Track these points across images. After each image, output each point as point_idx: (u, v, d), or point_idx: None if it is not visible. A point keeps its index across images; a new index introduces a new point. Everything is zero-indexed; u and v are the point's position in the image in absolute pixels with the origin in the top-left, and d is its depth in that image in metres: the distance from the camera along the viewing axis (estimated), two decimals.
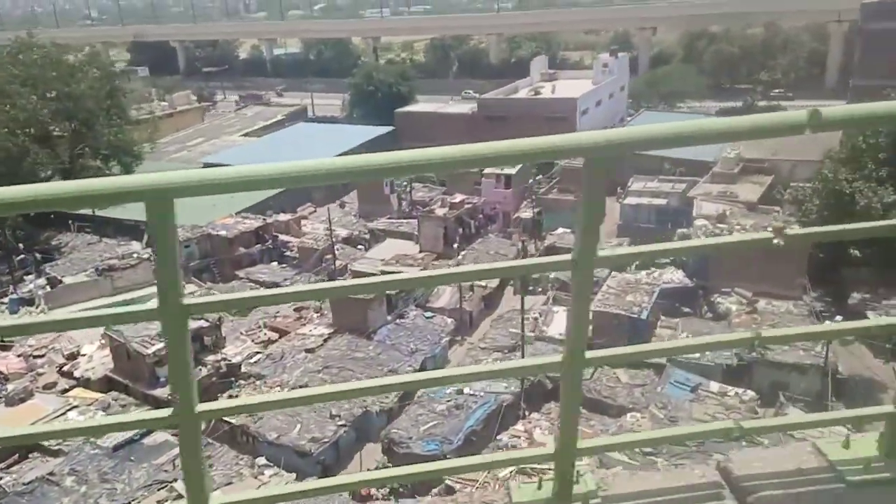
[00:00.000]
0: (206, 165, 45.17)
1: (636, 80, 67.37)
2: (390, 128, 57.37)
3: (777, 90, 67.79)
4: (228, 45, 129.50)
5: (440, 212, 41.04)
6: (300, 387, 23.37)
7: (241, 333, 29.59)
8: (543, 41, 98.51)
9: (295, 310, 31.61)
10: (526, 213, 44.35)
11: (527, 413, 23.56)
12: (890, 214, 25.20)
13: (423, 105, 62.50)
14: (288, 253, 40.14)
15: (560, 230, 41.04)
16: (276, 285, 31.47)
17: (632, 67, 67.21)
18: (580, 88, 57.82)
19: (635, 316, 27.36)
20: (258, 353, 27.94)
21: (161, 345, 22.77)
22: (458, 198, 42.54)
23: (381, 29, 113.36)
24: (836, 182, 27.38)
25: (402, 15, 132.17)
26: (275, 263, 38.53)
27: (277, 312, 31.39)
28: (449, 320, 30.97)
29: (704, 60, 73.19)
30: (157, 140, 56.05)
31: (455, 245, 38.24)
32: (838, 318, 25.08)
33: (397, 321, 30.08)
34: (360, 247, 40.85)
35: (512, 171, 45.75)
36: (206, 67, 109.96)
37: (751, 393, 23.01)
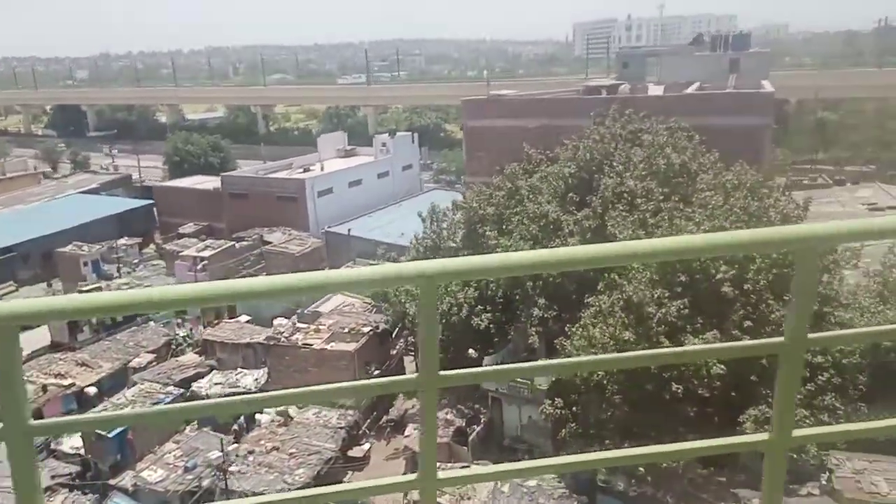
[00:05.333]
0: None
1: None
2: (151, 201, 55.91)
3: None
4: (147, 109, 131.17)
5: None
6: None
7: None
8: (444, 112, 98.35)
9: None
10: None
11: None
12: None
13: (183, 180, 61.01)
14: None
15: (244, 317, 38.56)
16: None
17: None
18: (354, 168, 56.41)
19: None
20: None
21: None
22: None
23: (272, 97, 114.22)
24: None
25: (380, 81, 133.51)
26: None
27: None
28: None
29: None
30: None
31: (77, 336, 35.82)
32: None
33: None
34: None
35: (206, 252, 43.77)
36: (91, 132, 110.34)
37: None
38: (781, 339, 1.82)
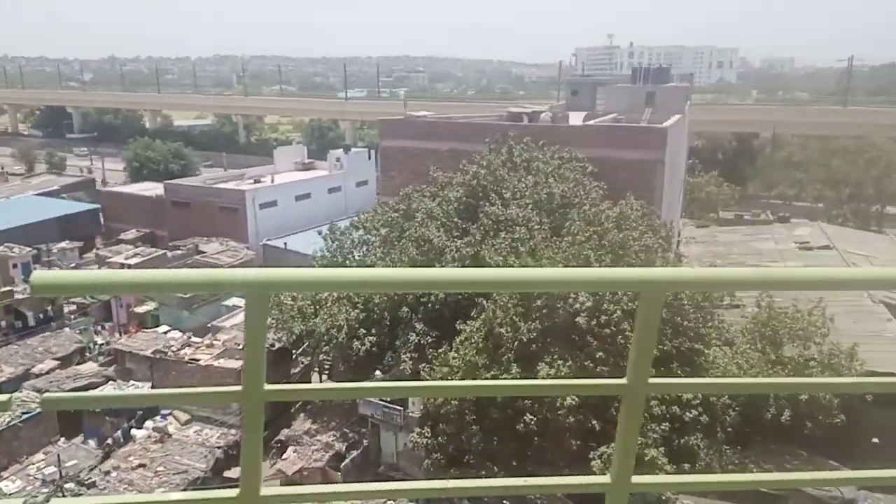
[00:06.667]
0: None
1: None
2: (98, 206, 55.77)
3: None
4: (134, 114, 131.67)
5: None
6: None
7: None
8: None
9: None
10: (145, 307, 41.54)
11: None
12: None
13: (132, 186, 60.93)
14: None
15: (164, 328, 38.11)
16: None
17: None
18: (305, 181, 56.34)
19: None
20: None
21: None
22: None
23: (255, 108, 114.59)
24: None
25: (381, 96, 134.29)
26: None
27: None
28: None
29: None
30: None
31: None
32: None
33: None
34: None
35: (135, 260, 43.45)
36: (73, 134, 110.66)
37: None
38: (624, 380, 1.80)
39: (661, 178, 27.13)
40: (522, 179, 25.93)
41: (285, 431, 29.98)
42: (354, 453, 26.12)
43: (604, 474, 1.94)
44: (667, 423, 20.93)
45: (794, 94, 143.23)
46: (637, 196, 25.80)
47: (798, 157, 60.85)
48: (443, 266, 24.24)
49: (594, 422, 20.99)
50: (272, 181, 55.50)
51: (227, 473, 26.72)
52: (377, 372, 27.97)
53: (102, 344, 37.84)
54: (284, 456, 26.85)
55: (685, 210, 53.23)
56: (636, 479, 1.91)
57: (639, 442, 20.65)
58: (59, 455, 22.99)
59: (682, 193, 50.31)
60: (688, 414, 21.32)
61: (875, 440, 23.10)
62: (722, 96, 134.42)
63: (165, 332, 35.82)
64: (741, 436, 22.92)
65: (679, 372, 22.65)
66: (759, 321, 22.88)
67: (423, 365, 22.75)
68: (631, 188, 26.07)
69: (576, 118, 34.42)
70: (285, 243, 45.76)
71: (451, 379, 21.19)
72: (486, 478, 20.50)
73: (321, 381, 32.88)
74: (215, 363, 28.37)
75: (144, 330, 37.13)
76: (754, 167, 68.99)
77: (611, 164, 26.83)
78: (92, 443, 27.32)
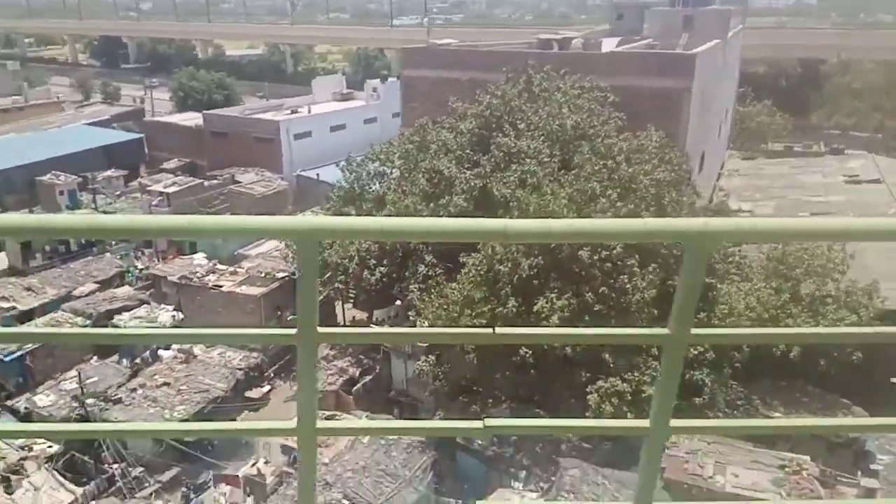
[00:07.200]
0: None
1: None
2: (142, 135, 57.06)
3: None
4: (188, 44, 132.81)
5: None
6: None
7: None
8: None
9: None
10: None
11: None
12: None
13: (175, 116, 61.77)
14: None
15: (200, 255, 39.43)
16: None
17: None
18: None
19: None
20: None
21: None
22: None
23: (300, 36, 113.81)
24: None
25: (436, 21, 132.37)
26: None
27: None
28: None
29: None
30: None
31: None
32: None
33: None
34: None
35: (172, 189, 44.56)
36: (129, 64, 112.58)
37: None
38: (666, 329, 1.84)
39: (688, 109, 25.82)
40: (540, 110, 25.12)
41: None
42: (367, 379, 26.83)
43: (643, 419, 2.00)
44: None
45: (876, 17, 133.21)
46: (661, 127, 24.73)
47: (860, 84, 56.87)
48: (451, 198, 24.02)
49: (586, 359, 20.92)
50: (309, 112, 55.47)
51: (248, 394, 27.99)
52: (397, 301, 28.42)
53: (142, 269, 39.31)
54: None
55: (733, 141, 50.91)
56: (674, 422, 1.97)
57: (636, 379, 20.44)
58: (79, 373, 24.35)
59: (729, 124, 48.02)
60: (692, 350, 20.97)
61: (895, 380, 22.28)
62: (796, 19, 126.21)
63: (203, 260, 37.00)
64: (750, 372, 22.45)
65: None
66: (775, 257, 22.00)
67: (424, 296, 22.90)
68: (655, 119, 24.98)
69: (609, 45, 32.86)
70: (318, 174, 46.05)
71: (448, 312, 21.32)
72: (511, 415, 20.50)
73: (344, 310, 33.62)
74: (237, 290, 29.24)
75: (181, 256, 38.43)
76: (819, 95, 64.98)
77: (635, 93, 25.66)
78: (125, 362, 28.85)
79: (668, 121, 25.32)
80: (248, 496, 21.90)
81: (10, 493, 19.70)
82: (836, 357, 21.40)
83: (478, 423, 1.93)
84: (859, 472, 20.09)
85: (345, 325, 30.81)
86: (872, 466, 20.41)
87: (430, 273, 24.55)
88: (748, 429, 2.15)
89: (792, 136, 52.25)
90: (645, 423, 1.98)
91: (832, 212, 32.39)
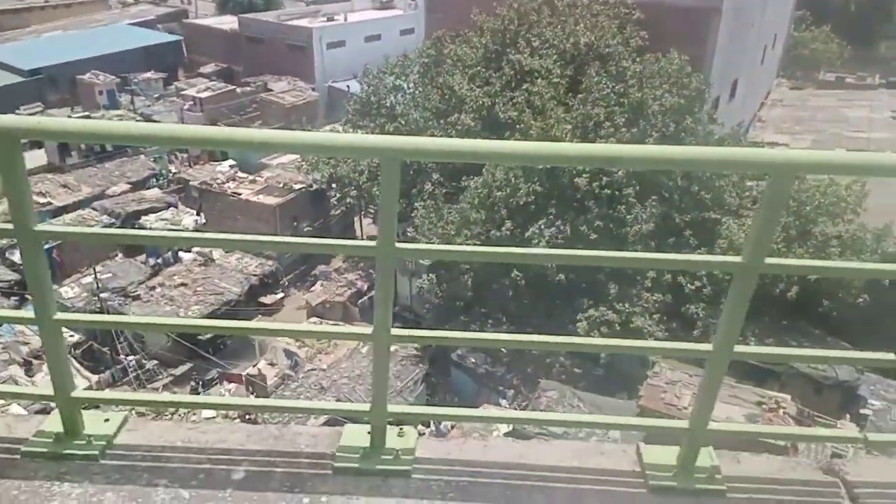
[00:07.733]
0: None
1: None
2: (180, 37, 57.08)
3: None
4: None
5: None
6: None
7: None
8: None
9: None
10: None
11: None
12: None
13: (212, 19, 61.24)
14: None
15: (230, 161, 40.18)
16: None
17: None
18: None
19: None
20: None
21: None
22: None
23: None
24: None
25: None
26: None
27: None
28: None
29: None
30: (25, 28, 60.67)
31: None
32: None
33: None
34: None
35: (205, 94, 44.82)
36: None
37: None
38: (739, 258, 1.87)
39: (716, 30, 24.48)
40: (555, 26, 24.19)
41: (321, 267, 31.79)
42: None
43: (707, 343, 2.07)
44: (668, 294, 20.59)
45: None
46: (684, 50, 23.58)
47: None
48: (459, 116, 23.68)
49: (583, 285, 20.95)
50: (345, 19, 54.41)
51: (261, 299, 29.08)
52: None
53: (175, 172, 40.28)
54: (312, 288, 28.72)
55: (783, 69, 48.17)
56: (738, 348, 2.02)
57: (629, 309, 20.38)
58: (94, 268, 25.57)
59: (781, 50, 45.31)
60: (689, 286, 20.80)
61: None
62: None
63: (226, 167, 37.65)
64: (751, 308, 22.14)
65: (692, 242, 21.84)
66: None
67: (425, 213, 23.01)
68: (679, 40, 23.79)
69: None
70: (348, 86, 45.61)
71: (445, 230, 21.45)
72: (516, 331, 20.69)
73: (362, 224, 34.07)
74: (254, 198, 29.86)
75: (213, 162, 39.16)
76: (891, 24, 60.27)
77: (664, 11, 24.39)
78: (152, 261, 30.12)
79: (693, 43, 24.12)
80: (251, 394, 23.17)
81: (31, 377, 21.28)
82: (841, 298, 20.95)
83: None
84: (848, 416, 20.01)
85: (371, 238, 31.35)
86: (862, 411, 20.27)
87: (434, 192, 24.58)
88: (807, 358, 2.32)
89: (849, 66, 49.07)
90: (708, 346, 2.05)
91: (871, 149, 30.83)
